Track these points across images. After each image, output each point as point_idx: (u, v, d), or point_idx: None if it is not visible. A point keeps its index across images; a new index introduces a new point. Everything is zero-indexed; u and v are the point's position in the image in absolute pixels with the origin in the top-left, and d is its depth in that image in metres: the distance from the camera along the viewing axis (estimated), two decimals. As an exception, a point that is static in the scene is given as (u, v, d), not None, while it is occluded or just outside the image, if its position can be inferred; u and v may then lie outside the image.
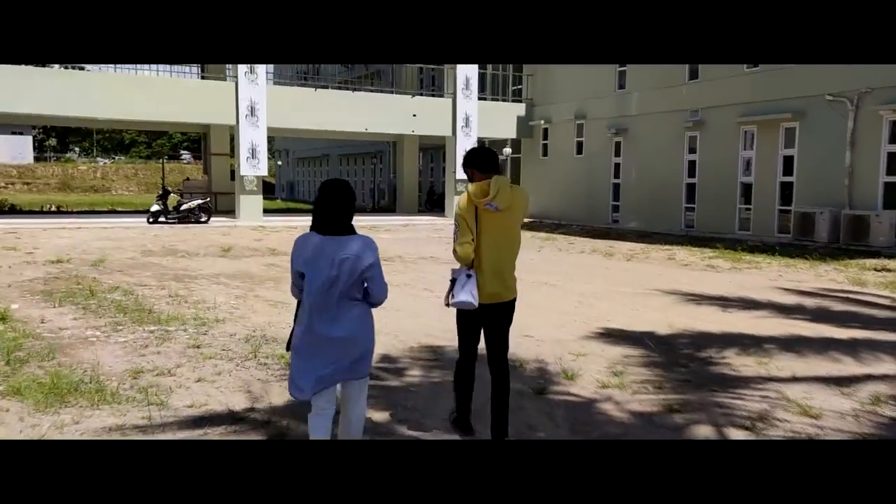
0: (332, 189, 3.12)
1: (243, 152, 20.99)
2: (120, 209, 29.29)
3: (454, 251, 3.79)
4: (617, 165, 22.10)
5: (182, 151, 67.61)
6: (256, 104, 20.90)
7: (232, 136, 23.00)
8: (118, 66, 20.95)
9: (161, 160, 34.45)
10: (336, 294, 3.03)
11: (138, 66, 21.05)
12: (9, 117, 23.74)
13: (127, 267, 11.60)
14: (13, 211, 25.94)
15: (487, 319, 3.91)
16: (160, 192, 20.63)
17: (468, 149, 4.27)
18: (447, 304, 3.84)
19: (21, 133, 57.97)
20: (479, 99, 24.48)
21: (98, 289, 9.17)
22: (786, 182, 17.01)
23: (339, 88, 26.08)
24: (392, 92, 24.88)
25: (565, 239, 18.03)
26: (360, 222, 22.15)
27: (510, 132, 25.30)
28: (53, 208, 27.54)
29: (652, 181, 20.56)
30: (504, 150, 25.23)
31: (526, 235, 18.95)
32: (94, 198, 40.58)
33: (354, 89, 25.67)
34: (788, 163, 16.94)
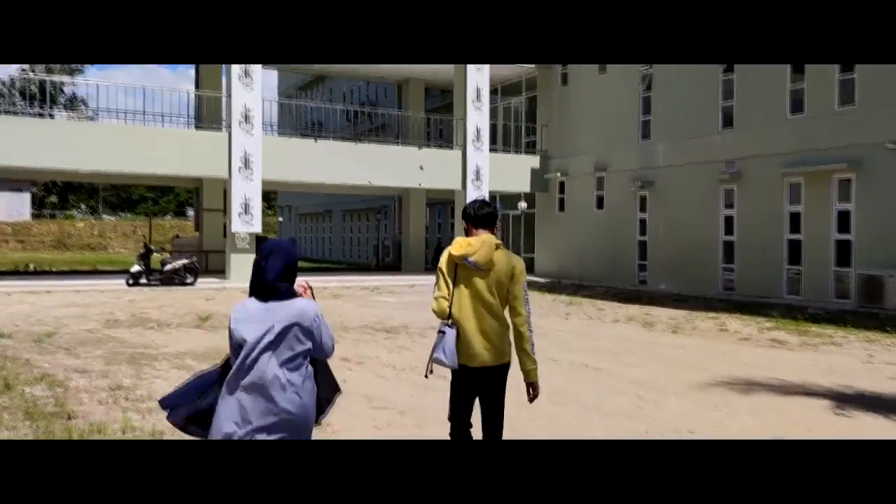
0: (269, 251, 2.96)
1: (235, 207, 19.25)
2: (107, 268, 27.41)
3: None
4: (643, 221, 20.23)
5: (188, 208, 66.35)
6: (251, 156, 19.27)
7: (225, 190, 21.31)
8: (104, 115, 19.46)
9: (148, 216, 32.76)
10: (275, 366, 2.83)
11: (126, 116, 19.57)
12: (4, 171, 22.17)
13: (78, 343, 9.63)
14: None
15: (477, 386, 3.73)
16: (141, 251, 18.77)
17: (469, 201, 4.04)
18: (427, 374, 3.80)
19: (20, 190, 56.93)
20: (491, 151, 22.86)
21: (21, 379, 7.19)
22: (842, 240, 15.04)
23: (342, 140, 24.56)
24: (398, 143, 23.31)
25: (591, 303, 16.01)
26: (363, 283, 20.41)
27: (524, 186, 23.59)
28: (32, 268, 25.66)
29: (683, 238, 18.64)
30: (519, 204, 23.43)
31: (546, 298, 16.95)
32: (87, 256, 38.89)
33: (358, 141, 24.13)
34: (844, 219, 15.00)
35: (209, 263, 22.82)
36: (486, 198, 21.88)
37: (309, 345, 2.90)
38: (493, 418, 3.73)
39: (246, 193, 19.29)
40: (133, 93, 20.21)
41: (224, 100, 20.40)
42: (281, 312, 2.87)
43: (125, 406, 6.23)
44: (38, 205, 62.73)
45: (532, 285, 20.02)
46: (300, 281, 3.08)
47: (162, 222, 51.91)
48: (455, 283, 3.71)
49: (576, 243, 22.34)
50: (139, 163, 18.45)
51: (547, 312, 13.95)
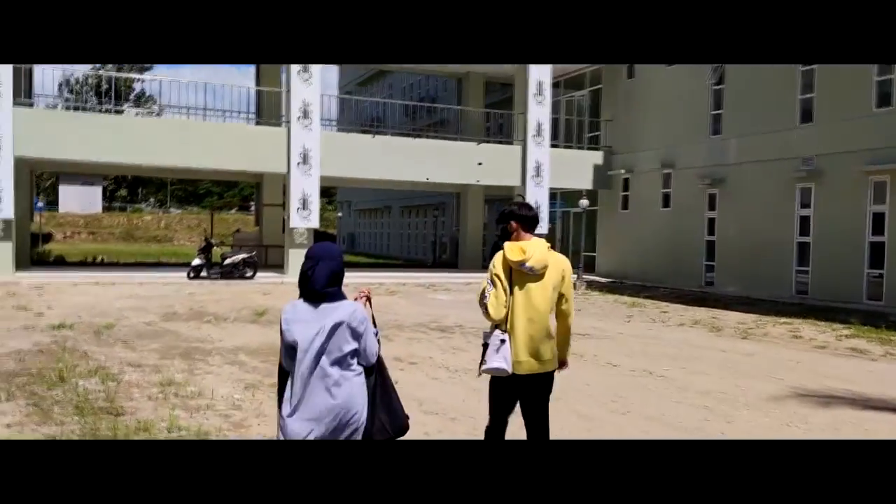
0: (317, 258, 3.03)
1: (294, 202, 19.36)
2: (171, 261, 28.14)
3: (483, 308, 3.70)
4: (711, 220, 19.35)
5: (251, 202, 67.72)
6: (310, 151, 19.33)
7: (284, 185, 21.49)
8: (168, 111, 19.87)
9: (211, 210, 33.46)
10: (327, 364, 2.96)
11: (190, 112, 19.93)
12: (65, 165, 23.01)
13: (135, 336, 9.73)
14: (57, 263, 25.01)
15: (522, 391, 3.70)
16: (203, 245, 19.09)
17: (514, 202, 3.95)
18: (479, 373, 3.76)
19: (92, 184, 59.29)
20: (552, 146, 22.31)
21: (75, 371, 7.23)
22: (932, 243, 13.97)
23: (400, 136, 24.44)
24: (456, 139, 23.02)
25: (654, 305, 15.37)
26: (419, 279, 20.21)
27: (586, 182, 22.96)
28: (99, 259, 26.52)
29: (754, 239, 17.72)
30: (580, 201, 22.79)
31: (608, 299, 16.37)
32: (153, 248, 40.14)
33: (417, 136, 23.96)
34: (935, 219, 13.93)
35: (269, 258, 23.08)
36: (547, 194, 21.47)
37: (356, 344, 3.01)
38: (539, 424, 3.74)
39: (304, 189, 19.37)
40: (196, 89, 20.98)
41: (283, 95, 20.54)
42: (331, 313, 2.99)
43: (174, 403, 6.15)
44: (108, 198, 65.20)
45: (592, 285, 19.44)
46: (362, 290, 3.26)
47: (226, 216, 53.16)
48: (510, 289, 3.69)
49: (639, 243, 21.60)
50: (200, 158, 18.74)
51: (608, 314, 13.45)
